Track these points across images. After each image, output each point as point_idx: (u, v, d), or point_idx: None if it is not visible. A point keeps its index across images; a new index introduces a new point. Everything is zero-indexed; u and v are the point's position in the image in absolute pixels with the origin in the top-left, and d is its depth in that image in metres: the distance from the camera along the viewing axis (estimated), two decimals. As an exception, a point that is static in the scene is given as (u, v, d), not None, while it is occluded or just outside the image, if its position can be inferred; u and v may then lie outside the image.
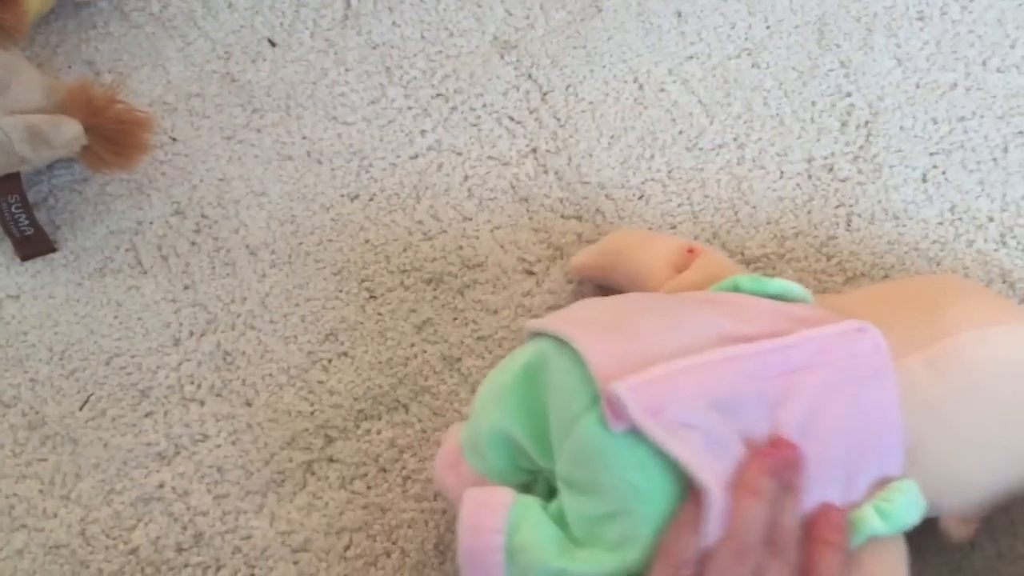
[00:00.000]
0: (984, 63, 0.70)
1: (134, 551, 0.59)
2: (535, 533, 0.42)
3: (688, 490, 0.41)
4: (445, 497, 0.55)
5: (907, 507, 0.44)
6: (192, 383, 0.64)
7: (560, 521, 0.44)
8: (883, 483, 0.45)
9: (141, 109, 0.70)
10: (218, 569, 0.58)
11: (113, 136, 0.67)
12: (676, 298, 0.49)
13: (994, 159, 0.66)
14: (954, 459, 0.45)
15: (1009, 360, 0.45)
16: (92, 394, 0.64)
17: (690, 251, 0.56)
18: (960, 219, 0.65)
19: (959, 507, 0.47)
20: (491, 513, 0.43)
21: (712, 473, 0.40)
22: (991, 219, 0.64)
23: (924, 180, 0.66)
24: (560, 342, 0.45)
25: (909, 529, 0.45)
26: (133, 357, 0.65)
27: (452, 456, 0.51)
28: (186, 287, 0.68)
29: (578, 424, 0.42)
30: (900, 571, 0.45)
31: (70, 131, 0.65)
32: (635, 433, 0.40)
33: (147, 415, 0.63)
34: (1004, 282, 0.62)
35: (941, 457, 0.45)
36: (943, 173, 0.66)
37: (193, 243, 0.69)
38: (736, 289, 0.50)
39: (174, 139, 0.74)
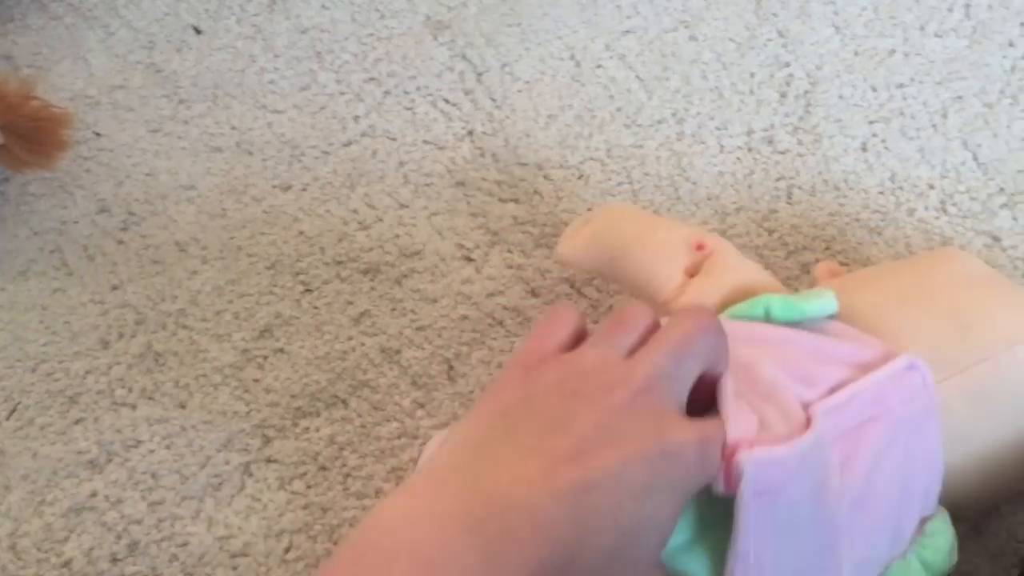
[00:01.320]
0: (922, 28, 0.70)
1: (67, 564, 0.57)
2: None
3: None
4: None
5: (948, 554, 0.43)
6: (123, 387, 0.62)
7: None
8: (922, 525, 0.43)
9: (58, 105, 0.67)
10: (155, 578, 0.57)
11: (30, 134, 0.65)
12: None
13: (933, 125, 0.66)
14: (974, 479, 0.44)
15: None
16: (19, 403, 0.62)
17: (699, 247, 0.50)
18: (901, 188, 0.64)
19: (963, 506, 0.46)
20: None
21: None
22: (931, 187, 0.64)
23: (864, 149, 0.65)
24: None
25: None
26: (60, 362, 0.63)
27: None
28: (114, 287, 0.65)
29: None
30: None
31: (-17, 130, 0.63)
32: None
33: (77, 422, 0.61)
34: (946, 250, 0.62)
35: (967, 476, 0.44)
36: (883, 141, 0.65)
37: (120, 241, 0.67)
38: (768, 317, 0.44)
39: (98, 134, 0.71)
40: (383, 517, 0.31)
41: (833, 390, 0.40)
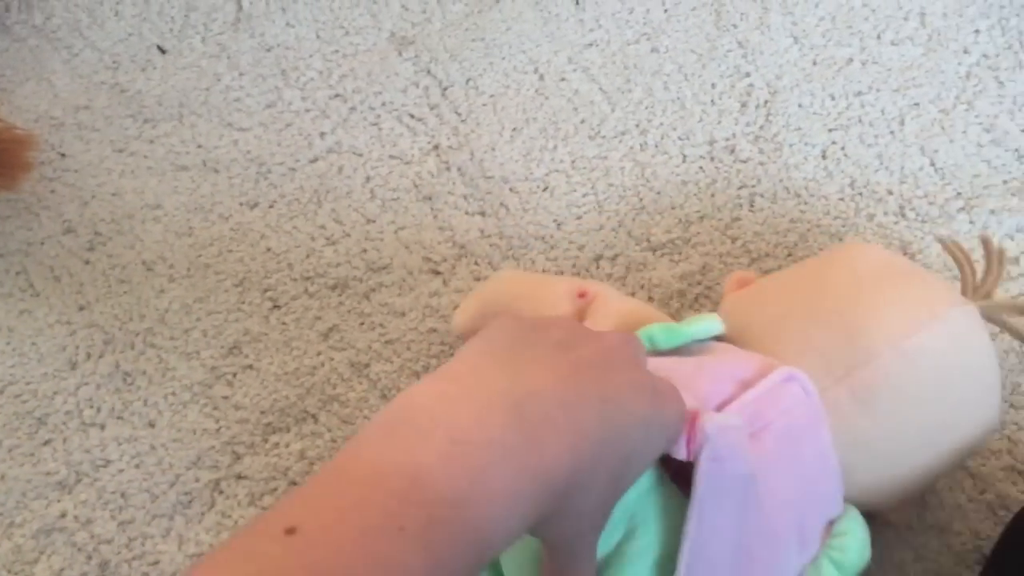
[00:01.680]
0: (879, 37, 0.71)
1: (36, 586, 0.57)
2: None
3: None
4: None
5: (859, 552, 0.43)
6: (91, 407, 0.62)
7: None
8: (829, 527, 0.44)
9: (22, 127, 0.67)
10: (126, 598, 0.57)
11: (-7, 156, 0.65)
12: None
13: (891, 132, 0.67)
14: (884, 475, 0.45)
15: (932, 367, 0.44)
16: (-14, 425, 0.62)
17: (581, 295, 0.52)
18: (860, 194, 0.65)
19: (888, 504, 0.47)
20: None
21: None
22: (890, 192, 0.65)
23: (824, 157, 0.66)
24: None
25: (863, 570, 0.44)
26: (28, 384, 0.63)
27: None
28: (81, 308, 0.65)
29: None
30: None
31: (-54, 153, 0.63)
32: None
33: (45, 443, 0.61)
34: (905, 254, 0.62)
35: (872, 477, 0.45)
36: (842, 149, 0.67)
37: (87, 262, 0.67)
38: (653, 346, 0.46)
39: (63, 155, 0.71)
40: (417, 396, 0.30)
41: (719, 407, 0.41)
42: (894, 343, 0.44)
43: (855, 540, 0.44)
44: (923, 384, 0.44)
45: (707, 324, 0.46)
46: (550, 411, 0.31)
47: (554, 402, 0.31)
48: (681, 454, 0.37)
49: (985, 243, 0.50)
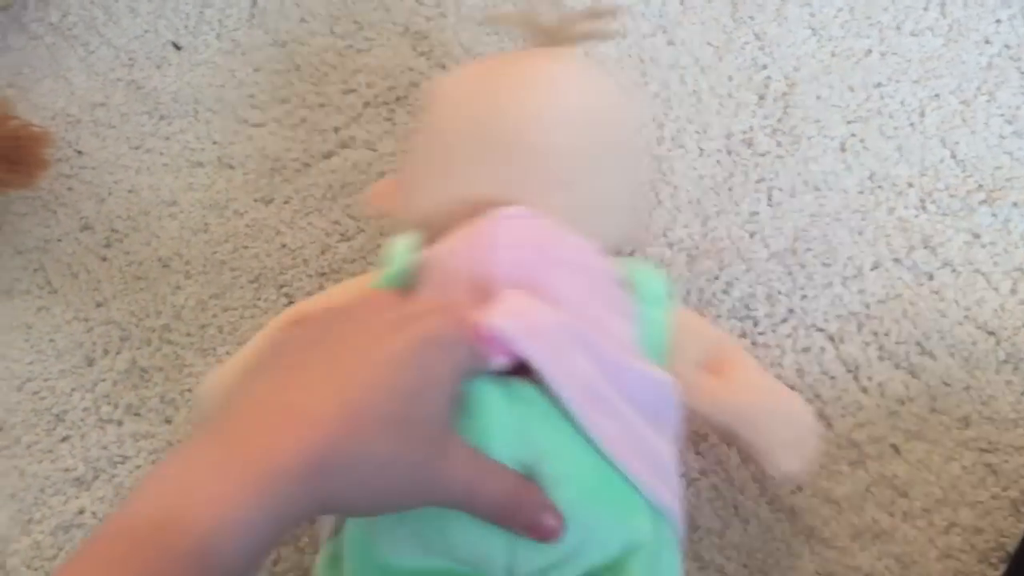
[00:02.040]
0: (898, 28, 0.70)
1: (55, 582, 0.57)
2: None
3: None
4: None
5: (653, 277, 0.46)
6: (108, 403, 0.62)
7: None
8: (623, 287, 0.46)
9: (38, 124, 0.67)
10: (143, 594, 0.57)
11: (10, 153, 0.65)
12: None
13: (911, 124, 0.66)
14: (611, 221, 0.50)
15: (567, 120, 0.48)
16: (5, 421, 0.62)
17: None
18: (880, 187, 0.64)
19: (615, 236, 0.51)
20: None
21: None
22: (911, 185, 0.64)
23: (843, 149, 0.66)
24: None
25: (668, 297, 0.46)
26: (46, 380, 0.63)
27: None
28: (98, 304, 0.65)
29: None
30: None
31: (-37, 151, 0.63)
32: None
33: (63, 440, 0.61)
34: (926, 247, 0.62)
35: (601, 222, 0.49)
36: (861, 141, 0.66)
37: (104, 258, 0.67)
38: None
39: (79, 152, 0.71)
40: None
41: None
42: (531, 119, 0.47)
43: (643, 274, 0.46)
44: (574, 128, 0.48)
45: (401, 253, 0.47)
46: (262, 409, 0.32)
47: (271, 395, 0.32)
48: (500, 360, 0.38)
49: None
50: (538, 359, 0.38)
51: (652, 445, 0.41)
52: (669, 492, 0.42)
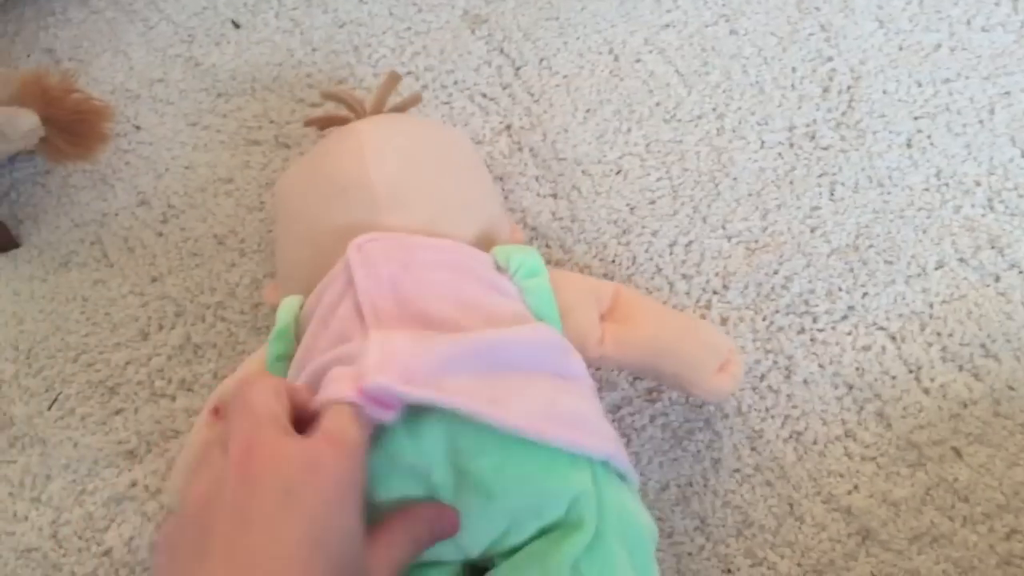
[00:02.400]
0: (968, 22, 0.68)
1: (107, 552, 0.58)
2: None
3: None
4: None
5: (521, 255, 0.49)
6: (162, 378, 0.62)
7: None
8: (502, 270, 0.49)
9: (99, 97, 0.68)
10: (193, 568, 0.57)
11: (71, 126, 0.65)
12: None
13: (980, 121, 0.64)
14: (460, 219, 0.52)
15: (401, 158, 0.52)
16: (60, 393, 0.63)
17: (215, 412, 0.52)
18: (946, 184, 0.63)
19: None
20: None
21: None
22: (978, 183, 0.62)
23: (909, 145, 0.64)
24: None
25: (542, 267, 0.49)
26: (101, 353, 0.63)
27: None
28: (153, 279, 0.66)
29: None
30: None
31: (26, 123, 0.63)
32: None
33: (117, 412, 0.62)
34: (993, 247, 0.60)
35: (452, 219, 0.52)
36: (928, 137, 0.64)
37: (160, 234, 0.67)
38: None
39: (137, 127, 0.71)
40: None
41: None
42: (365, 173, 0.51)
43: (515, 253, 0.49)
44: (398, 158, 0.52)
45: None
46: None
47: None
48: (389, 416, 0.38)
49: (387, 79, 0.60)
50: (423, 397, 0.39)
51: (565, 405, 0.43)
52: (597, 439, 0.43)
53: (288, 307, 0.50)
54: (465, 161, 0.57)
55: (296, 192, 0.55)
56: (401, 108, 0.61)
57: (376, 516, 0.38)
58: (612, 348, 0.50)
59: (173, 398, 0.62)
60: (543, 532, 0.41)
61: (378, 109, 0.60)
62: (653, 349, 0.51)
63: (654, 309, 0.54)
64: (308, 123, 0.61)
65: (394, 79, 0.60)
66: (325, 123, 0.61)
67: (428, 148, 0.55)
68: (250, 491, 0.32)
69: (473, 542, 0.41)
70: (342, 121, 0.60)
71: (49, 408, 0.62)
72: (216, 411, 0.52)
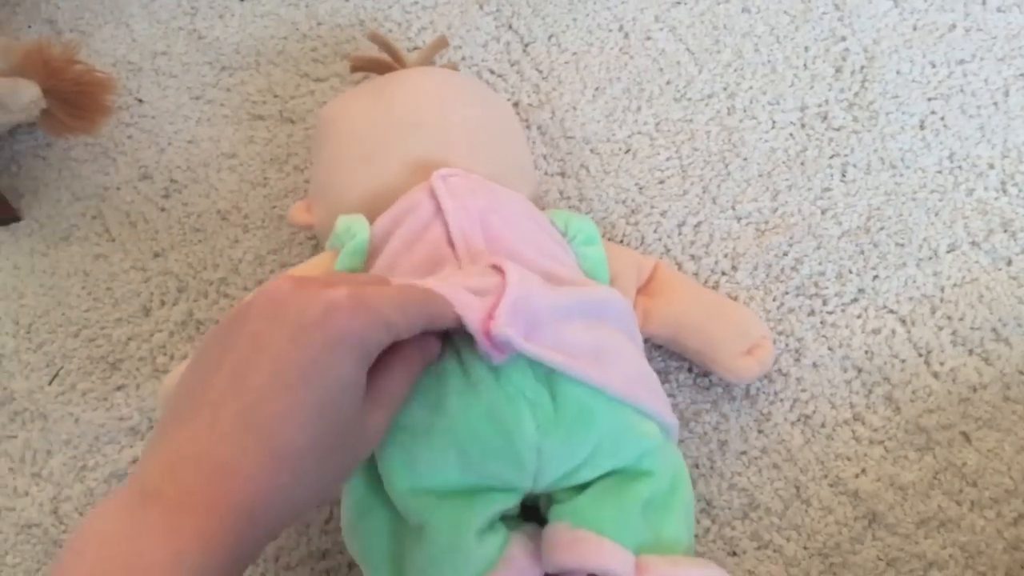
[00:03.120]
0: (984, 3, 0.67)
1: (108, 529, 0.57)
2: None
3: None
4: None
5: (579, 222, 0.52)
6: (164, 354, 0.62)
7: None
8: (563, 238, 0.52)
9: (101, 70, 0.67)
10: (195, 546, 0.56)
11: (73, 98, 0.64)
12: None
13: (995, 103, 0.64)
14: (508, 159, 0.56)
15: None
16: (61, 368, 0.62)
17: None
18: (959, 167, 0.62)
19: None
20: None
21: None
22: (991, 166, 0.62)
23: (922, 127, 0.64)
24: None
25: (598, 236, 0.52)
26: (102, 328, 0.63)
27: None
28: (156, 254, 0.65)
29: None
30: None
31: (27, 95, 0.62)
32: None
33: (118, 388, 0.61)
34: (1005, 231, 0.60)
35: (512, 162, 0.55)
36: (942, 119, 0.64)
37: (162, 209, 0.66)
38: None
39: (140, 100, 0.70)
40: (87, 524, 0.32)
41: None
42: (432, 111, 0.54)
43: (574, 219, 0.52)
44: (466, 106, 0.55)
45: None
46: (196, 467, 0.32)
47: (199, 446, 0.33)
48: (497, 359, 0.40)
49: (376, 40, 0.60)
50: (540, 356, 0.41)
51: (647, 369, 0.47)
52: (662, 403, 0.46)
53: (361, 224, 0.50)
54: (517, 126, 0.60)
55: (357, 119, 0.55)
56: (429, 56, 0.62)
57: (473, 418, 0.41)
58: (650, 324, 0.53)
59: (175, 374, 0.61)
60: (611, 474, 0.44)
61: (423, 64, 0.61)
62: (680, 324, 0.54)
63: (688, 286, 0.56)
64: (354, 60, 0.61)
65: (442, 43, 0.62)
66: (370, 65, 0.61)
67: (491, 107, 0.57)
68: (271, 321, 0.35)
69: (550, 470, 0.42)
70: (384, 67, 0.61)
71: (50, 383, 0.62)
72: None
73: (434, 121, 0.53)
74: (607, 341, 0.44)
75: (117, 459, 0.59)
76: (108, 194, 0.67)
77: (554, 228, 0.52)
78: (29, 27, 0.75)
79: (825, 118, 0.64)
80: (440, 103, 0.54)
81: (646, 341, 0.56)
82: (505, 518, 0.44)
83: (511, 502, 0.43)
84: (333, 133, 0.56)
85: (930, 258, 0.59)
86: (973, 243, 0.60)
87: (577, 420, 0.42)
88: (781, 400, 0.57)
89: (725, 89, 0.66)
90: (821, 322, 0.58)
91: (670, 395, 0.57)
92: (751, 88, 0.66)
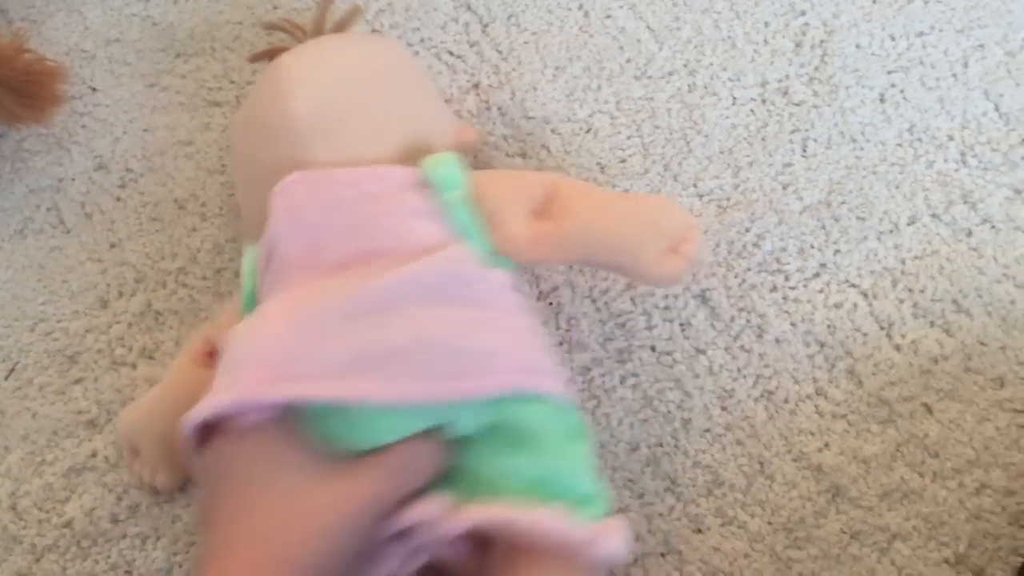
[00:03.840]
0: (943, -26, 0.67)
1: (68, 524, 0.56)
2: None
3: None
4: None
5: (438, 165, 0.47)
6: (122, 346, 0.61)
7: None
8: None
9: (51, 58, 0.65)
10: (158, 539, 0.56)
11: (23, 88, 0.63)
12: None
13: (954, 75, 0.64)
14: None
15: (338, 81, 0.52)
16: (17, 362, 0.61)
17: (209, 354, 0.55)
18: (919, 139, 0.62)
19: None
20: None
21: None
22: (951, 138, 0.62)
23: (882, 100, 0.63)
24: None
25: (462, 173, 0.48)
26: (59, 322, 0.62)
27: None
28: (112, 245, 0.64)
29: None
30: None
31: (-25, 84, 0.61)
32: None
33: (76, 382, 0.60)
34: (965, 203, 0.60)
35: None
36: (901, 92, 0.63)
37: (118, 199, 0.65)
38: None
39: (94, 89, 0.69)
40: None
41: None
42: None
43: (434, 163, 0.48)
44: (322, 88, 0.51)
45: None
46: None
47: None
48: (267, 415, 0.41)
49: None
50: (289, 397, 0.40)
51: (463, 346, 0.42)
52: (501, 376, 0.43)
53: (250, 258, 0.49)
54: (395, 73, 0.55)
55: (237, 137, 0.54)
56: (343, 26, 0.60)
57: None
58: (541, 248, 0.47)
59: (134, 366, 0.60)
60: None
61: (319, 31, 0.59)
62: (588, 241, 0.48)
63: (596, 198, 0.50)
64: (252, 59, 0.60)
65: (355, 12, 0.60)
66: (271, 55, 0.58)
67: (352, 69, 0.53)
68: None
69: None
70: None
71: (6, 378, 0.61)
72: (211, 354, 0.53)
73: (278, 120, 0.50)
74: (390, 341, 0.41)
75: (76, 453, 0.58)
76: (63, 185, 0.66)
77: (413, 189, 0.47)
78: (-21, 17, 0.73)
79: (786, 93, 0.64)
80: (279, 98, 0.50)
81: (590, 332, 0.56)
82: None
83: None
84: (230, 157, 0.56)
85: (891, 231, 0.59)
86: (933, 215, 0.60)
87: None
88: (744, 376, 0.56)
89: (685, 66, 0.66)
90: (783, 298, 0.58)
91: (633, 374, 0.57)
92: (711, 64, 0.66)
